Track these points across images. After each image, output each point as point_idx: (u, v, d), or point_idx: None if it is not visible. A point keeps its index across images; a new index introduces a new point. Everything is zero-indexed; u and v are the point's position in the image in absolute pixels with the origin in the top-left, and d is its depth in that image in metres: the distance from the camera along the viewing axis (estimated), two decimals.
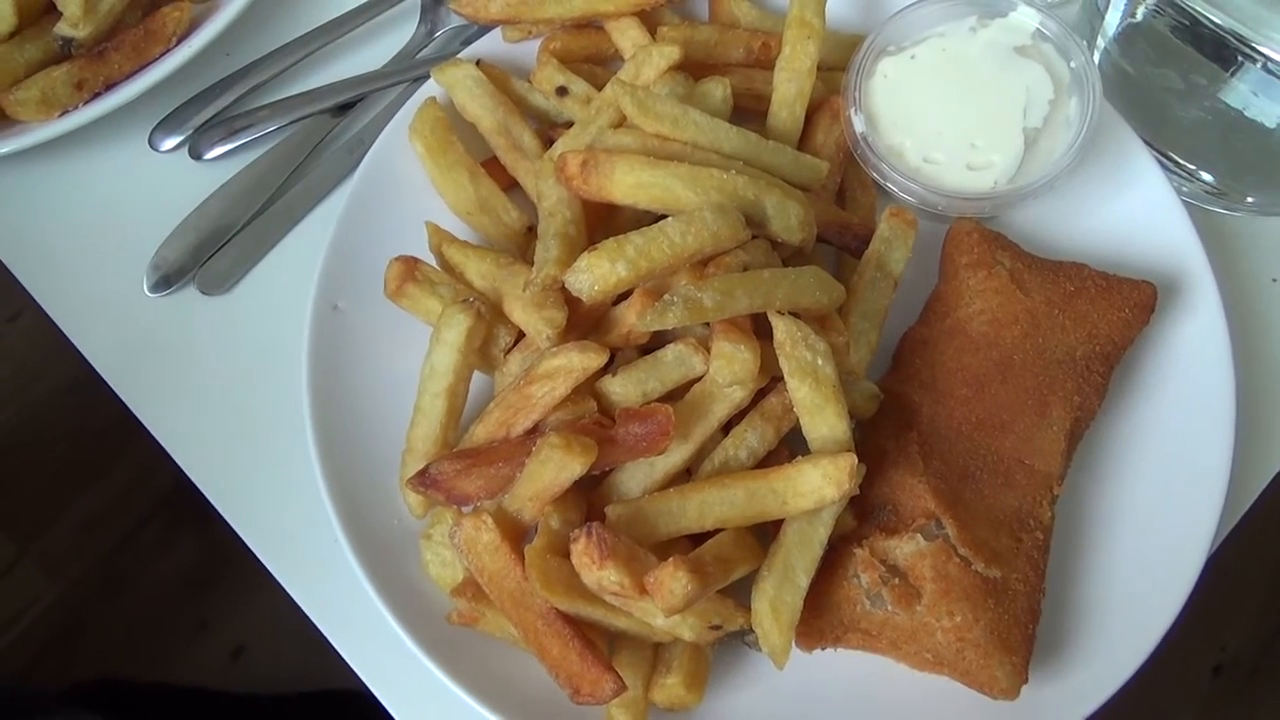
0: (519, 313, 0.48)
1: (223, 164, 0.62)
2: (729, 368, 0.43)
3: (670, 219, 0.46)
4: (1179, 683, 1.24)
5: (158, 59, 0.61)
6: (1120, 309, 0.50)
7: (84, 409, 1.56)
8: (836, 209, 0.55)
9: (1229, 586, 1.26)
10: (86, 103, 0.60)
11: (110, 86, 0.60)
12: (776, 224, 0.48)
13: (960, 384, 0.49)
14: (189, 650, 1.39)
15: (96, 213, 0.63)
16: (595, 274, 0.44)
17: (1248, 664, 1.28)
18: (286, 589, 0.53)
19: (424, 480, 0.46)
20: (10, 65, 0.59)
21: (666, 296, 0.43)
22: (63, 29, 0.60)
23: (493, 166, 0.58)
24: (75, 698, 1.32)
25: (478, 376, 0.51)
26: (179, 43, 0.62)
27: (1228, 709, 1.27)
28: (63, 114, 0.60)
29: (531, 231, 0.56)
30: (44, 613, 1.46)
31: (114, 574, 1.45)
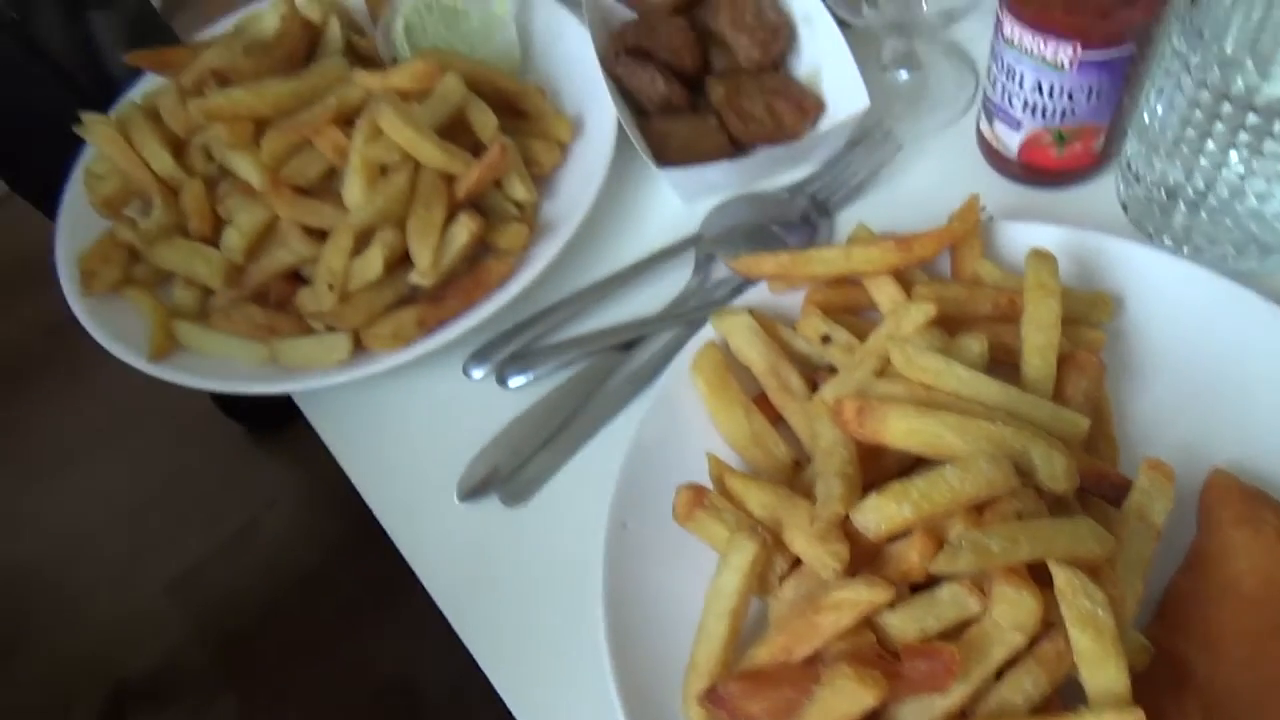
0: (801, 544, 0.54)
1: (524, 391, 0.73)
2: (1013, 613, 0.47)
3: (948, 465, 0.51)
4: None
5: (481, 302, 0.73)
6: None
7: (313, 595, 1.70)
8: (1091, 458, 0.59)
9: None
10: (424, 338, 0.72)
11: (443, 324, 0.73)
12: (1043, 473, 0.52)
13: (1238, 644, 0.50)
14: None
15: (417, 426, 0.74)
16: (882, 514, 0.50)
17: None
18: None
19: (711, 698, 0.51)
20: (373, 306, 0.72)
21: (954, 540, 0.48)
22: (414, 278, 0.73)
23: (760, 403, 0.66)
24: None
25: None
26: (497, 290, 0.74)
27: None
28: (405, 346, 0.72)
29: (797, 465, 0.63)
30: None
31: None
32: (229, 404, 1.94)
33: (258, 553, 1.83)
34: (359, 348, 0.73)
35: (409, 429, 0.74)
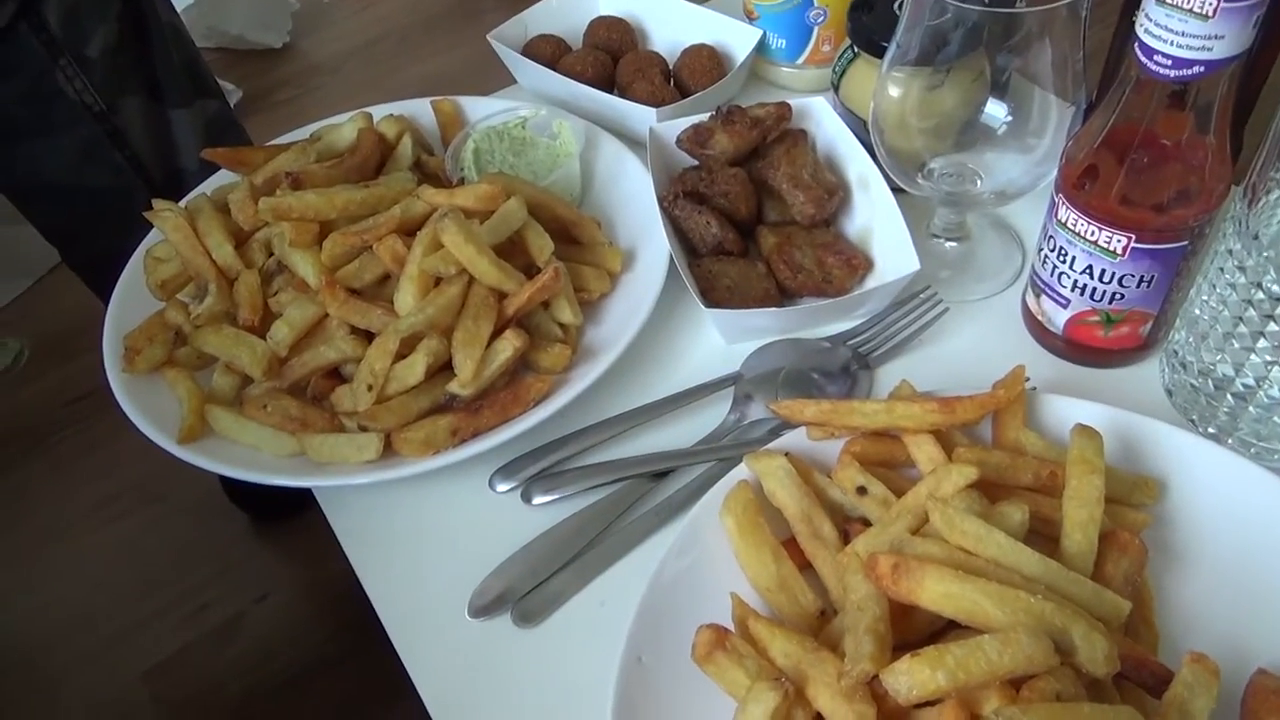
0: (826, 699, 0.51)
1: (548, 510, 0.72)
2: None
3: (987, 637, 0.49)
4: None
5: (516, 418, 0.73)
6: None
7: (307, 692, 1.66)
8: (1131, 642, 0.56)
9: None
10: (455, 447, 0.72)
11: (476, 435, 0.73)
12: (1083, 654, 0.50)
13: None
14: None
15: (437, 537, 0.73)
16: (915, 678, 0.48)
17: None
18: None
19: None
20: (408, 410, 0.73)
21: (990, 716, 0.45)
22: (453, 387, 0.73)
23: (790, 548, 0.64)
24: None
25: None
26: (533, 407, 0.74)
27: None
28: (435, 454, 0.72)
29: (823, 615, 0.61)
30: None
31: None
32: (236, 492, 1.93)
33: (242, 646, 1.78)
34: (388, 450, 0.72)
35: (427, 536, 0.73)
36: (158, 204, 0.87)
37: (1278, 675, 0.54)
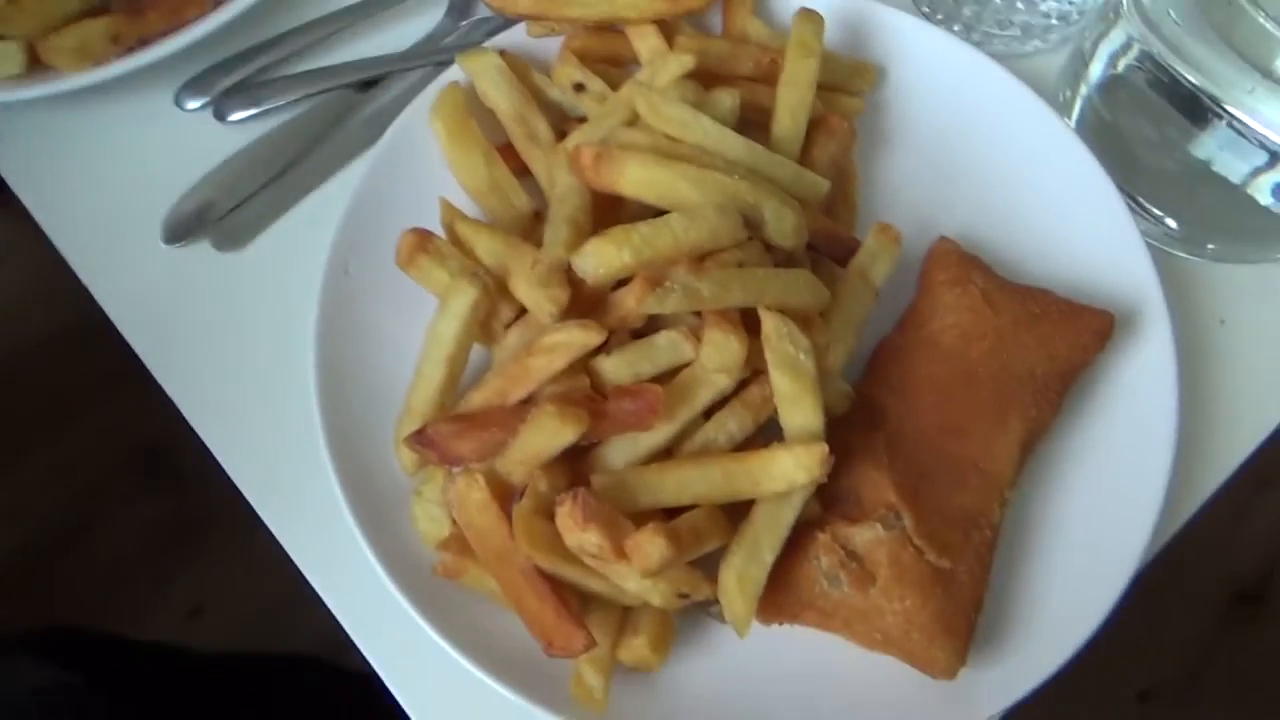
0: (524, 289, 0.51)
1: (246, 127, 0.65)
2: (718, 355, 0.47)
3: (675, 214, 0.49)
4: (1105, 707, 1.29)
5: (193, 22, 0.64)
6: (1080, 334, 0.54)
7: (65, 358, 1.58)
8: (827, 220, 0.58)
9: (1160, 613, 1.31)
10: (120, 57, 0.62)
11: (144, 43, 0.63)
12: (772, 229, 0.51)
13: (927, 391, 0.52)
14: (145, 606, 1.41)
15: (119, 163, 0.65)
16: (601, 258, 0.47)
17: (1175, 690, 1.33)
18: (279, 538, 0.56)
19: (420, 439, 0.49)
20: (51, 13, 0.61)
21: (667, 284, 0.46)
22: None
23: (506, 152, 0.61)
24: (25, 644, 1.32)
25: (475, 349, 0.54)
26: (215, 8, 0.64)
27: None
28: (96, 65, 0.62)
29: (538, 216, 0.59)
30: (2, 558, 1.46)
31: (76, 525, 1.45)
32: None
33: None
34: (39, 65, 0.62)
35: (109, 166, 0.65)
36: None
37: (955, 241, 0.58)
